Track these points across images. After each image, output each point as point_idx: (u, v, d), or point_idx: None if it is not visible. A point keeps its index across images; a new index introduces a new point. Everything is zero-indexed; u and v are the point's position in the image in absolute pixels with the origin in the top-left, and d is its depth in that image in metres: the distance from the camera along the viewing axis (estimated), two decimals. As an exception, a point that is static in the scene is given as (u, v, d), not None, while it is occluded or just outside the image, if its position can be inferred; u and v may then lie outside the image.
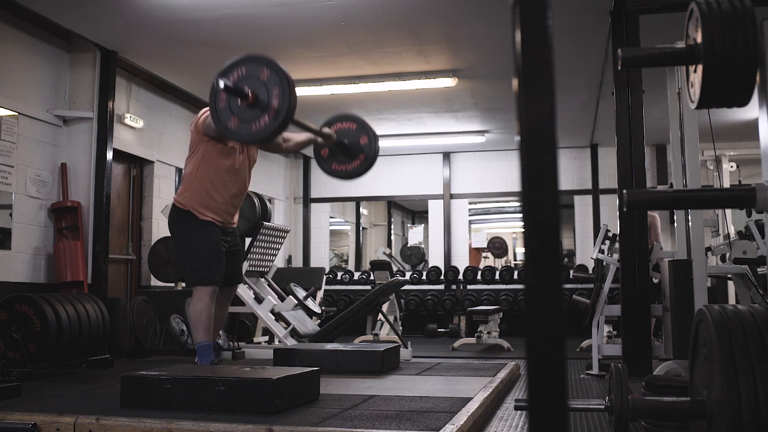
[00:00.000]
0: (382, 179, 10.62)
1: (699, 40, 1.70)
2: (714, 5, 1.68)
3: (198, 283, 4.10)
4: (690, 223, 4.24)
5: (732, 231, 6.86)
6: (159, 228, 7.23)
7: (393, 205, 14.11)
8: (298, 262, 10.64)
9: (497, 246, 11.55)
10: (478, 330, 7.02)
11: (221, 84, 3.28)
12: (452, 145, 10.07)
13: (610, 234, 5.34)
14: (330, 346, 4.86)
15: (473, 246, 11.22)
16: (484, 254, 11.69)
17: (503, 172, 10.38)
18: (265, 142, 3.72)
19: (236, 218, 4.42)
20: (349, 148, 4.27)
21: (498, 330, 7.46)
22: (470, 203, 10.74)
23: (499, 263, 11.61)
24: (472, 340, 7.07)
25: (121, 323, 5.91)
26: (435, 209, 10.65)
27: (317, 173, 10.69)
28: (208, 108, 3.96)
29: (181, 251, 4.22)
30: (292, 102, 3.28)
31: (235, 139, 3.75)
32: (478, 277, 9.67)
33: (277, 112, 3.28)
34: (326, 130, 4.11)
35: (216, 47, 6.16)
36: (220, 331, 6.20)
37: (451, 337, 8.57)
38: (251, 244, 6.00)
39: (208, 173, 4.13)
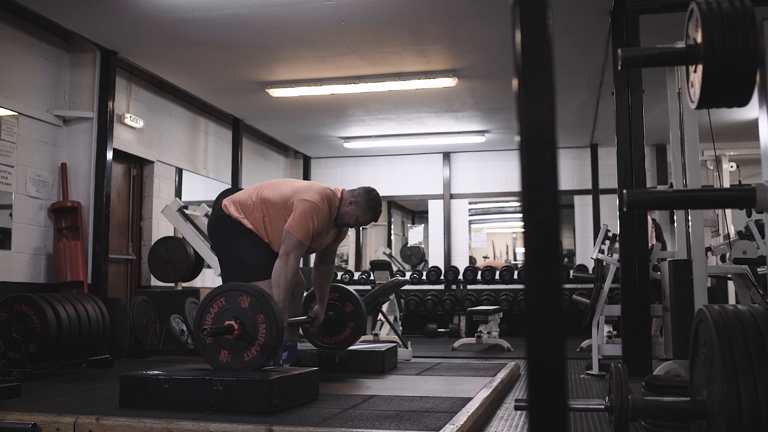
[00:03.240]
0: (382, 179, 10.63)
1: (699, 40, 1.70)
2: (714, 5, 1.68)
3: (255, 279, 3.91)
4: (690, 223, 4.24)
5: (732, 231, 6.86)
6: (159, 228, 7.24)
7: (393, 205, 14.10)
8: (298, 262, 10.63)
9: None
10: (478, 330, 7.02)
11: (203, 333, 3.27)
12: (452, 145, 10.07)
13: (610, 234, 5.34)
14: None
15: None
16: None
17: (503, 172, 10.38)
18: (257, 368, 3.55)
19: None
20: (337, 321, 4.48)
21: (498, 330, 7.46)
22: (470, 203, 10.74)
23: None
24: (472, 340, 7.07)
25: (121, 323, 5.91)
26: (435, 209, 10.65)
27: (317, 173, 10.70)
28: (310, 205, 3.87)
29: (234, 251, 4.04)
30: (280, 325, 3.32)
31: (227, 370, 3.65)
32: (478, 277, 9.67)
33: (265, 343, 3.29)
34: (315, 308, 4.24)
35: (216, 47, 6.16)
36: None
37: (451, 337, 8.57)
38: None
39: (276, 229, 4.00)
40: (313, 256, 4.64)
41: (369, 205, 4.05)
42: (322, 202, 3.93)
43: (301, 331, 4.50)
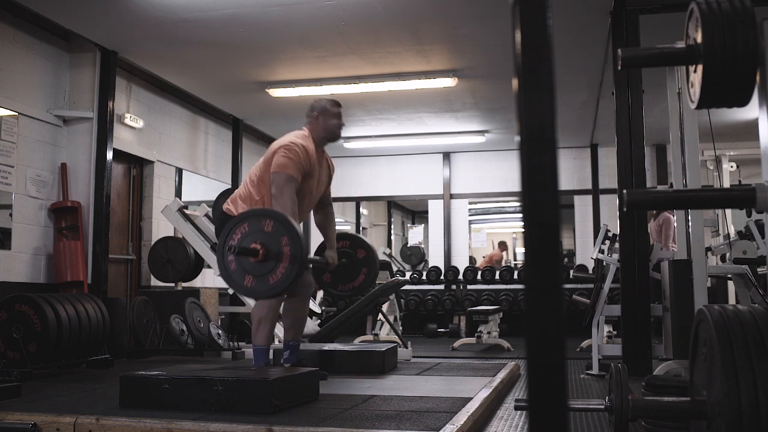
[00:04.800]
0: (382, 179, 10.63)
1: (699, 40, 1.70)
2: (714, 5, 1.68)
3: None
4: (690, 223, 4.24)
5: (732, 231, 6.86)
6: (159, 228, 7.24)
7: (393, 205, 14.11)
8: (298, 262, 10.62)
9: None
10: (478, 330, 7.02)
11: (230, 250, 3.29)
12: (452, 145, 10.07)
13: (610, 234, 5.34)
14: (330, 346, 4.86)
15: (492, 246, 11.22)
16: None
17: (503, 172, 10.38)
18: (286, 293, 3.61)
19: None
20: (350, 267, 4.45)
21: (498, 330, 7.46)
22: (470, 203, 10.74)
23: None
24: (472, 340, 7.07)
25: (121, 323, 5.91)
26: (435, 209, 10.65)
27: (317, 173, 10.68)
28: (282, 146, 3.91)
29: None
30: (304, 244, 3.34)
31: (255, 297, 3.63)
32: (478, 277, 9.67)
33: (293, 257, 3.29)
34: (327, 253, 4.21)
35: (216, 47, 6.16)
36: (220, 331, 6.21)
37: (451, 337, 8.57)
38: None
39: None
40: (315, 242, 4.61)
41: (328, 104, 4.16)
42: (294, 139, 3.98)
43: (314, 279, 4.47)
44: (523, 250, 0.97)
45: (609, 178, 9.63)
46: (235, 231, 3.38)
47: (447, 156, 10.50)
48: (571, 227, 10.39)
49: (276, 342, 4.95)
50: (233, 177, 8.58)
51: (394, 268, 9.87)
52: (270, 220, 3.35)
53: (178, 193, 7.76)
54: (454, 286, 9.90)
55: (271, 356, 4.06)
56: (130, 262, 7.08)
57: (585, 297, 5.76)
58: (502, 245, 11.75)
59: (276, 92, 7.30)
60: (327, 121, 4.13)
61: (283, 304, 4.37)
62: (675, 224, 6.55)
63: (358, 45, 6.16)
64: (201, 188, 8.52)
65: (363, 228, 13.33)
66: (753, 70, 1.67)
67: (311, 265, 4.22)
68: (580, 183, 10.08)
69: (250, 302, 5.70)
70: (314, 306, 6.24)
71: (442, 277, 9.85)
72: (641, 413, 1.77)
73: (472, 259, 10.94)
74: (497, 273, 9.65)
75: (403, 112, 8.39)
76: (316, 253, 4.42)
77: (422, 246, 11.78)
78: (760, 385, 1.45)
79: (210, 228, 6.14)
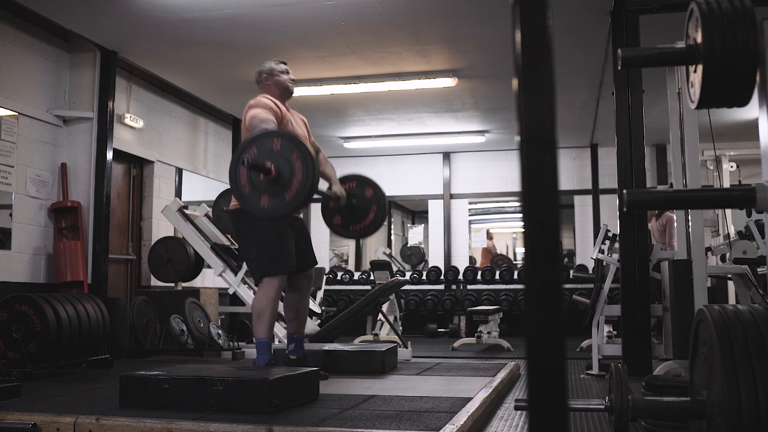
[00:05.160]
0: (382, 179, 10.48)
1: (699, 40, 1.70)
2: (714, 5, 1.68)
3: (264, 273, 3.89)
4: (690, 223, 4.24)
5: (732, 231, 6.86)
6: (159, 228, 7.23)
7: (393, 205, 14.08)
8: (298, 262, 10.63)
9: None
10: (478, 330, 7.02)
11: (244, 163, 3.32)
12: (452, 145, 10.07)
13: (610, 234, 5.34)
14: (330, 346, 4.86)
15: (483, 246, 11.21)
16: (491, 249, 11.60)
17: (503, 172, 10.38)
18: (301, 207, 3.66)
19: None
20: (359, 207, 4.44)
21: (498, 330, 7.45)
22: (470, 203, 10.74)
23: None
24: (472, 340, 7.06)
25: (121, 323, 5.91)
26: (435, 209, 10.65)
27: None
28: (251, 104, 4.01)
29: (248, 249, 4.01)
30: (314, 156, 3.39)
31: (275, 215, 3.63)
32: (478, 277, 9.67)
33: (304, 171, 3.33)
34: (333, 188, 4.21)
35: (216, 47, 6.16)
36: (220, 331, 6.21)
37: (451, 337, 8.57)
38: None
39: None
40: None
41: (272, 63, 4.29)
42: (259, 97, 4.12)
43: (325, 222, 4.50)
44: (523, 250, 0.96)
45: (609, 178, 9.63)
46: (244, 155, 3.41)
47: (447, 156, 10.50)
48: (571, 227, 10.39)
49: (276, 342, 4.95)
50: (233, 177, 8.57)
51: (394, 268, 9.87)
52: (278, 138, 3.41)
53: (178, 193, 7.76)
54: (454, 286, 9.90)
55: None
56: (130, 262, 7.08)
57: (585, 297, 5.76)
58: (488, 235, 11.66)
59: (276, 92, 7.29)
60: (276, 80, 4.23)
61: (284, 300, 4.38)
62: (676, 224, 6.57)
63: (358, 45, 6.16)
64: (201, 188, 8.53)
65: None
66: (753, 70, 1.67)
67: (324, 197, 4.23)
68: (580, 183, 10.08)
69: (251, 302, 5.70)
70: (314, 306, 6.24)
71: (442, 277, 9.85)
72: (641, 413, 1.77)
73: (472, 259, 10.94)
74: (497, 273, 9.65)
75: (403, 112, 8.39)
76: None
77: (422, 246, 11.77)
78: (760, 385, 1.45)
79: (210, 228, 6.13)
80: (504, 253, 12.20)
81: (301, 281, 4.21)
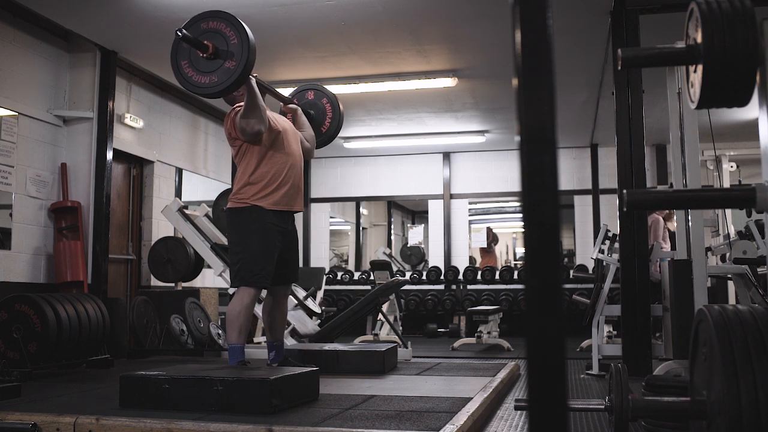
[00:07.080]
0: (382, 179, 10.63)
1: (699, 40, 1.70)
2: (714, 5, 1.68)
3: (243, 283, 3.94)
4: (690, 223, 4.24)
5: (732, 231, 6.86)
6: (159, 228, 7.23)
7: (393, 205, 14.10)
8: (298, 262, 10.63)
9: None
10: (478, 330, 7.02)
11: (179, 34, 3.45)
12: (452, 145, 10.07)
13: (610, 234, 5.35)
14: (330, 346, 4.86)
15: (480, 245, 11.19)
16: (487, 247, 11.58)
17: (503, 172, 10.38)
18: (235, 88, 3.72)
19: (301, 199, 4.25)
20: (317, 117, 4.68)
21: (498, 330, 7.46)
22: (470, 203, 10.74)
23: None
24: (472, 340, 7.07)
25: (121, 323, 5.91)
26: (435, 209, 10.65)
27: (317, 173, 10.69)
28: (234, 109, 4.05)
29: (233, 249, 4.04)
30: (251, 43, 3.56)
31: (211, 95, 3.73)
32: (478, 277, 9.67)
33: (240, 50, 3.52)
34: (291, 105, 4.45)
35: (216, 47, 6.15)
36: (219, 331, 6.21)
37: (451, 337, 8.57)
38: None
39: (263, 167, 4.03)
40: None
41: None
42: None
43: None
44: (523, 250, 0.96)
45: (609, 178, 9.64)
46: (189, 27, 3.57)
47: (447, 156, 10.50)
48: (571, 227, 10.40)
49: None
50: (233, 177, 8.56)
51: (394, 268, 9.88)
52: (214, 20, 3.58)
53: (178, 193, 7.77)
54: (454, 286, 9.90)
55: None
56: (130, 262, 7.08)
57: (585, 297, 5.76)
58: (488, 234, 11.63)
59: (276, 92, 7.29)
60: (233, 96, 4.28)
61: (262, 306, 4.41)
62: (663, 224, 6.58)
63: (358, 45, 6.15)
64: (201, 188, 8.53)
65: (363, 228, 13.34)
66: (753, 70, 1.67)
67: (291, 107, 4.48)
68: (580, 183, 10.08)
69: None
70: (314, 306, 6.24)
71: (442, 277, 9.85)
72: (641, 413, 1.77)
73: (472, 259, 10.95)
74: (497, 273, 9.66)
75: (403, 112, 8.39)
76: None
77: (422, 246, 11.77)
78: (760, 385, 1.45)
79: (210, 228, 6.13)
80: (501, 251, 12.15)
81: (278, 289, 4.23)
